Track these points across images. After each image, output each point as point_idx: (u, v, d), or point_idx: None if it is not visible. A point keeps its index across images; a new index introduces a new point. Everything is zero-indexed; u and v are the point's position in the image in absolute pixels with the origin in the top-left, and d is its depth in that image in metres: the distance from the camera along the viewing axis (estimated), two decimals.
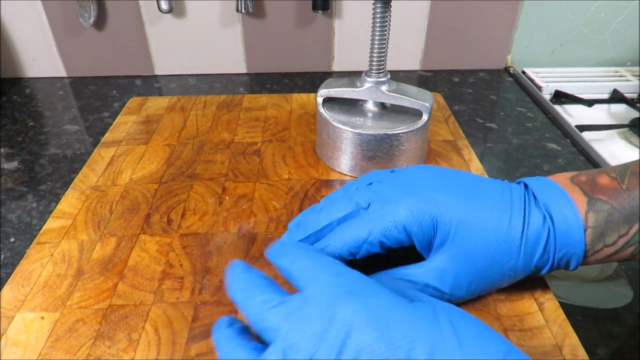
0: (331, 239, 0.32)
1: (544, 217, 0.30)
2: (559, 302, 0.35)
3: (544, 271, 0.32)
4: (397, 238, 0.30)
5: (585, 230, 0.29)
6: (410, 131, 0.46)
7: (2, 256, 0.42)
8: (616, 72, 0.79)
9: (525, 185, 0.33)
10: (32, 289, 0.36)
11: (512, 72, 0.79)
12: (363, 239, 0.30)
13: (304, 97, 0.65)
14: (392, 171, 0.35)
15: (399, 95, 0.47)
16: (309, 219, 0.35)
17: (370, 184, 0.34)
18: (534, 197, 0.31)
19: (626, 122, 0.65)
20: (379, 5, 0.44)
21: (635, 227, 0.29)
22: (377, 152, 0.47)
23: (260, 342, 0.25)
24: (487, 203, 0.30)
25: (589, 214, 0.29)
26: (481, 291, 0.33)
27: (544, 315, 0.34)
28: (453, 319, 0.22)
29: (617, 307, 0.38)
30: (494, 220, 0.30)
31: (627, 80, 0.76)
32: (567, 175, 0.33)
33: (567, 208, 0.30)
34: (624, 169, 0.31)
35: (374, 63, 0.46)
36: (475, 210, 0.30)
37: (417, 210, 0.30)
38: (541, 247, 0.30)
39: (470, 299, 0.33)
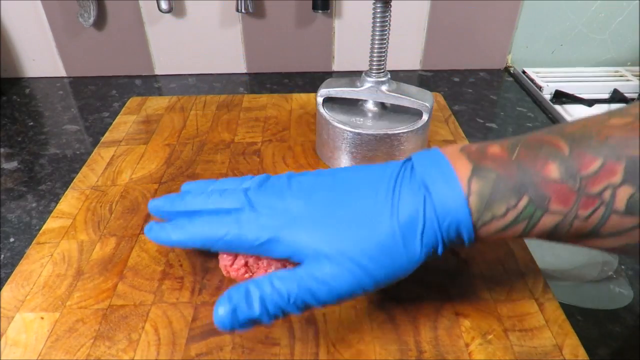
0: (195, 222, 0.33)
1: (419, 190, 0.28)
2: (559, 302, 0.35)
3: (440, 249, 0.29)
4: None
5: (469, 196, 0.27)
6: (410, 131, 0.46)
7: (2, 256, 0.42)
8: (616, 72, 0.79)
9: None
10: (32, 289, 0.36)
11: (512, 72, 0.79)
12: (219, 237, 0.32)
13: (304, 97, 0.65)
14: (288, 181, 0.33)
15: (399, 95, 0.47)
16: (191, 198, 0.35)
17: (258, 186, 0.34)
18: (413, 171, 0.30)
19: None
20: (379, 5, 0.44)
21: (525, 200, 0.27)
22: (377, 152, 0.47)
23: None
24: (354, 217, 0.29)
25: (472, 180, 0.27)
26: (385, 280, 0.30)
27: (544, 316, 0.34)
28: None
29: (617, 307, 0.38)
30: (363, 229, 0.29)
31: (628, 80, 0.76)
32: (459, 145, 0.31)
33: (444, 174, 0.28)
34: (518, 140, 0.29)
35: (374, 63, 0.46)
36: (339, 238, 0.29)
37: (282, 251, 0.30)
38: (420, 222, 0.28)
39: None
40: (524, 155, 0.27)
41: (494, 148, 0.29)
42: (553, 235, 0.28)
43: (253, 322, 0.28)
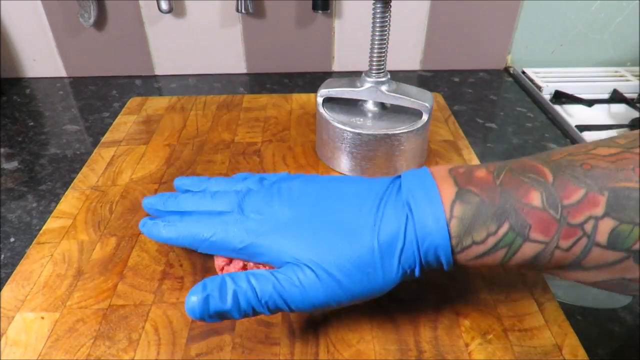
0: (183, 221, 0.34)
1: (403, 209, 0.29)
2: (559, 302, 0.35)
3: (417, 271, 0.29)
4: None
5: (450, 221, 0.28)
6: (410, 131, 0.46)
7: (2, 256, 0.42)
8: (616, 72, 0.79)
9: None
10: (32, 289, 0.36)
11: (512, 72, 0.79)
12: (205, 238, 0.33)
13: (304, 97, 0.65)
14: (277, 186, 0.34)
15: (399, 95, 0.47)
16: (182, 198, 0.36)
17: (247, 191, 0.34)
18: (400, 191, 0.30)
19: (626, 122, 0.65)
20: (379, 5, 0.44)
21: (506, 227, 0.27)
22: (377, 152, 0.47)
23: None
24: (341, 232, 0.30)
25: (455, 204, 0.28)
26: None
27: (544, 315, 0.34)
28: None
29: (617, 307, 0.38)
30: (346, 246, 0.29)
31: (627, 80, 0.76)
32: (449, 166, 0.31)
33: (429, 196, 0.28)
34: (505, 164, 0.29)
35: (374, 63, 0.46)
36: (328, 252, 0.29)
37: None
38: (400, 241, 0.28)
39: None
40: (508, 181, 0.28)
41: (481, 172, 0.29)
42: (534, 264, 0.28)
43: (223, 315, 0.29)
